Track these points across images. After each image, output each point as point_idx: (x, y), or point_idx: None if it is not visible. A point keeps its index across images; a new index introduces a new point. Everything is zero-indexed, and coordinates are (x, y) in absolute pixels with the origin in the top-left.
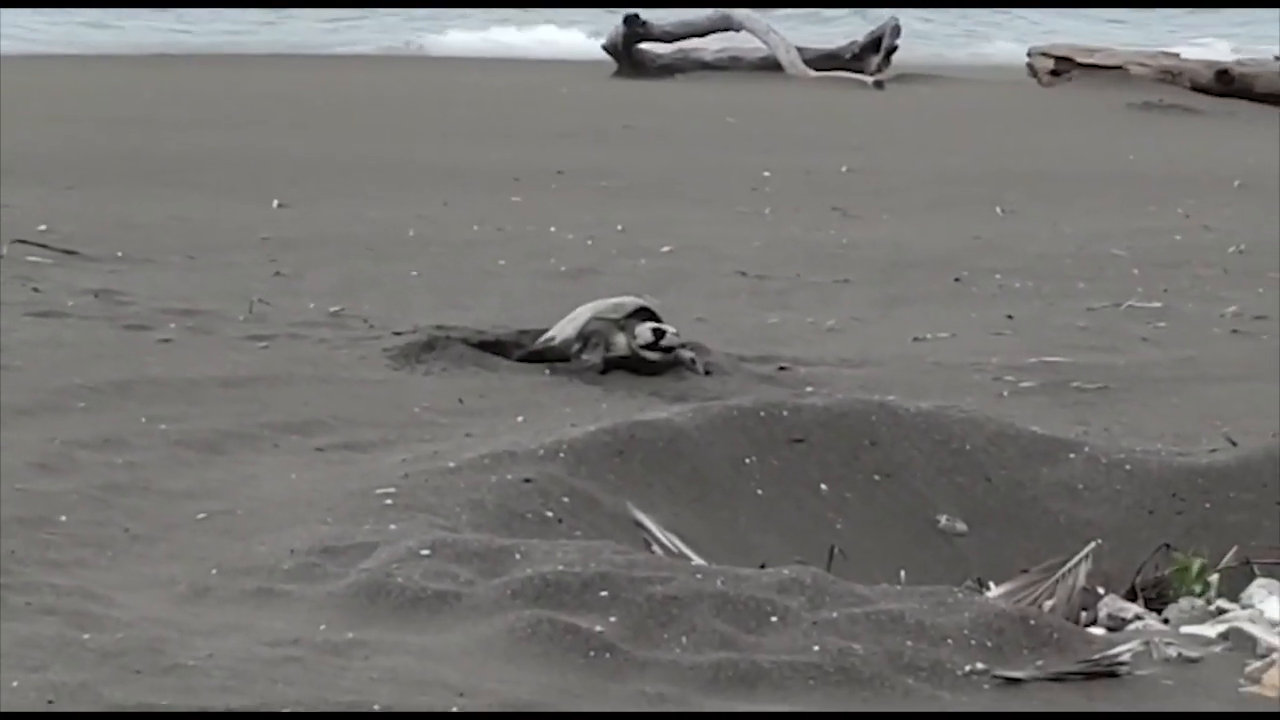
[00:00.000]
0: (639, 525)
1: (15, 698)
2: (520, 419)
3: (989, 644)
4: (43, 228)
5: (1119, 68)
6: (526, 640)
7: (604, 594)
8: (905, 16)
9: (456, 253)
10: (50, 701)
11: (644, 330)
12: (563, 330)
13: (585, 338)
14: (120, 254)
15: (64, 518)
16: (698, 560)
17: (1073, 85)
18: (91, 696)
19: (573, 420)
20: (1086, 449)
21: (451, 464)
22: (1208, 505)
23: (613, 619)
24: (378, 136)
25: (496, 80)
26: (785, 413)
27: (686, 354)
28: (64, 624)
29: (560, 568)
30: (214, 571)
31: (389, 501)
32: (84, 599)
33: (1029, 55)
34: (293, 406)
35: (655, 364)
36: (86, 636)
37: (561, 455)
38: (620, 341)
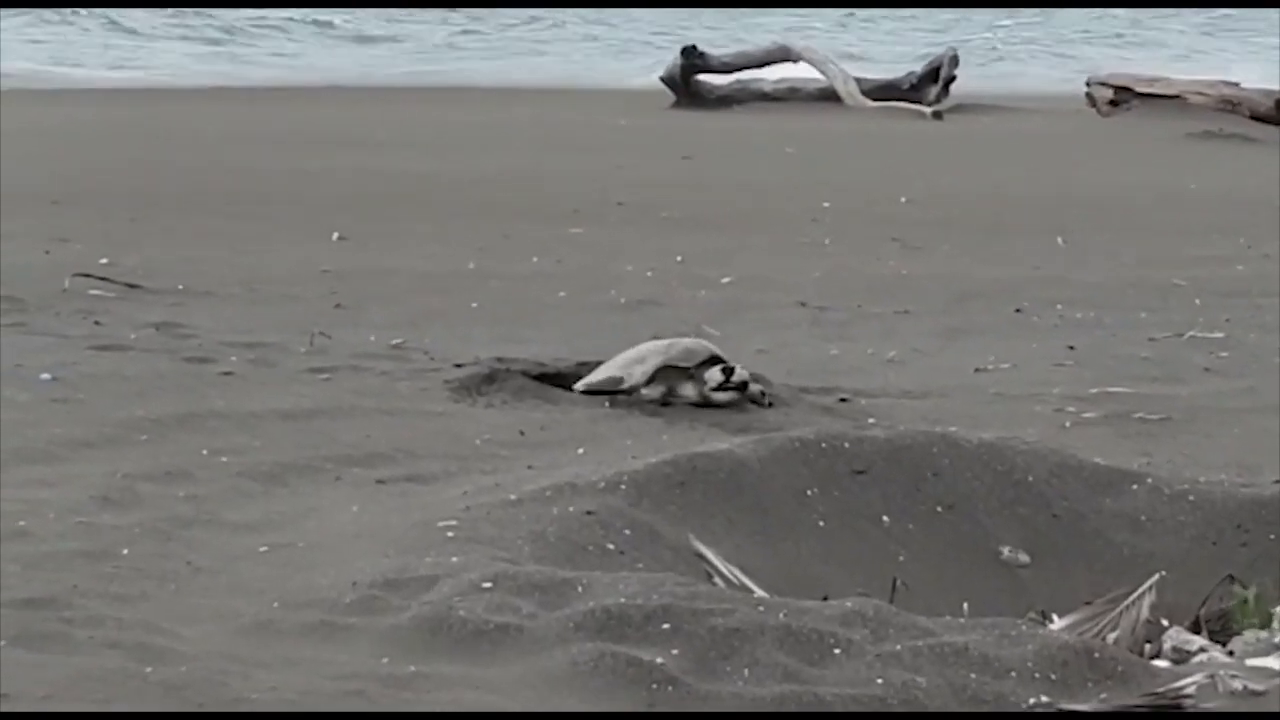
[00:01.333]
0: (701, 557)
1: None
2: (581, 451)
3: (1053, 676)
4: (104, 261)
5: (1177, 97)
6: (589, 673)
7: (666, 626)
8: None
9: (516, 285)
10: None
11: (713, 374)
12: (630, 374)
13: (653, 383)
14: (181, 287)
15: (126, 551)
16: (760, 592)
17: (1131, 115)
18: None
19: (634, 452)
20: (1149, 480)
21: (513, 496)
22: (1272, 536)
23: (675, 651)
24: (437, 169)
25: (554, 112)
26: (847, 444)
27: (755, 388)
28: (127, 657)
29: (622, 600)
30: (276, 604)
31: (450, 534)
32: (146, 632)
33: (1088, 85)
34: (354, 439)
35: (723, 403)
36: (149, 670)
37: (623, 487)
38: (689, 390)
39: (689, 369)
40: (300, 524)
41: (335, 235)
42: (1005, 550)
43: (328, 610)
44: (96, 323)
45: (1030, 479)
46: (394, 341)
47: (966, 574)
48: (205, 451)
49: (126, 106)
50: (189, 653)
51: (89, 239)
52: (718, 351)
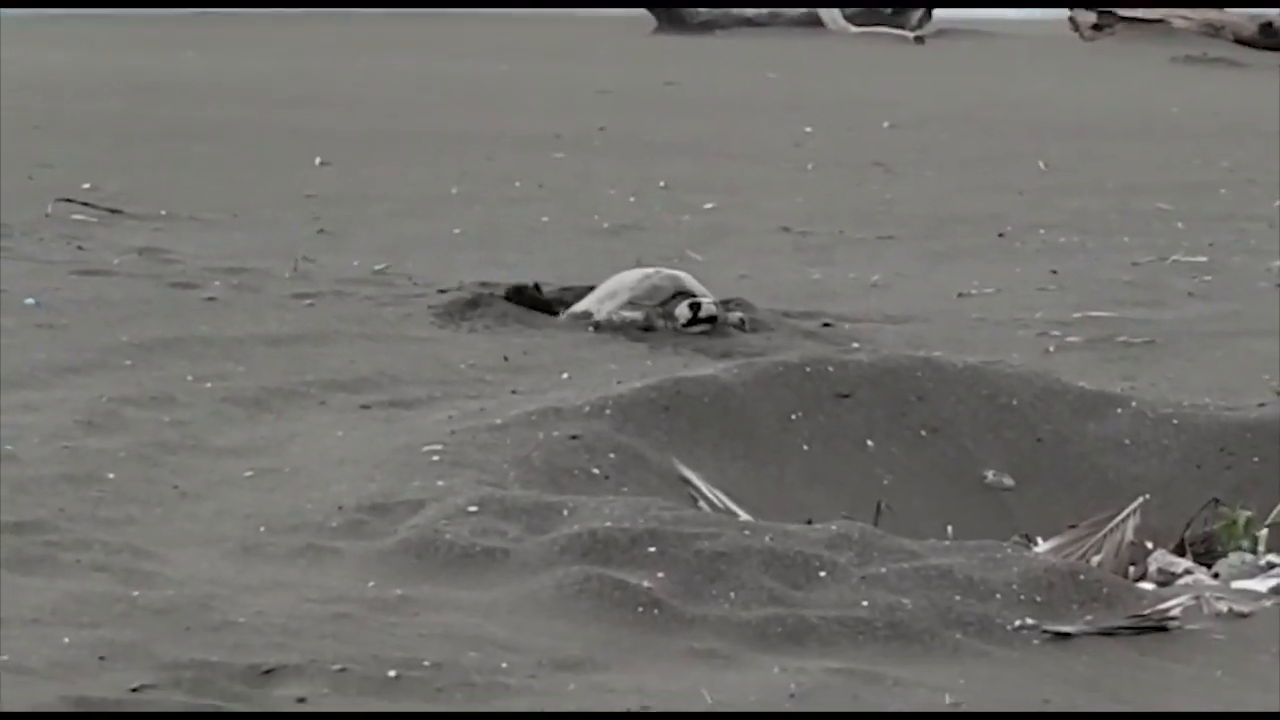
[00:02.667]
0: (686, 481)
1: (67, 654)
2: (565, 376)
3: (1038, 599)
4: (87, 186)
5: (1161, 21)
6: (575, 596)
7: (652, 550)
8: None
9: (499, 210)
10: (102, 659)
11: (682, 309)
12: (600, 309)
13: (630, 311)
14: (164, 212)
15: (112, 475)
16: (745, 516)
17: (1115, 39)
18: (142, 653)
19: (618, 377)
20: (1134, 404)
21: (498, 421)
22: (1256, 459)
23: (661, 575)
24: (418, 96)
25: (537, 38)
26: (831, 369)
27: (733, 316)
28: (114, 581)
29: (608, 524)
30: (262, 529)
31: (435, 458)
32: (134, 556)
33: (1070, 9)
34: (338, 364)
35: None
36: (136, 594)
37: (607, 412)
38: (661, 325)
39: (654, 305)
40: (285, 449)
41: (318, 160)
42: (990, 474)
43: (313, 534)
44: (80, 248)
45: (1015, 403)
46: (377, 267)
47: (951, 497)
48: (190, 377)
49: (101, 31)
50: (175, 576)
51: (71, 165)
52: (688, 284)
